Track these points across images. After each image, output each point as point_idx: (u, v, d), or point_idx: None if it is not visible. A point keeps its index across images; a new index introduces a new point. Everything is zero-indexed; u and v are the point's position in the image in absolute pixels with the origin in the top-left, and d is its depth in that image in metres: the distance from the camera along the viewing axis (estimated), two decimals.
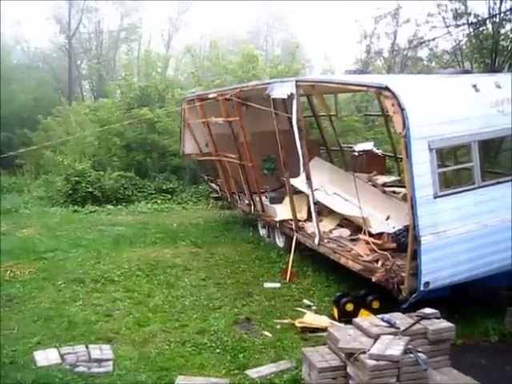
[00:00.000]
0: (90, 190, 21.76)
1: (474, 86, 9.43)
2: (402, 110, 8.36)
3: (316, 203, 11.91)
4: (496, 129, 9.49)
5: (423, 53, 30.25)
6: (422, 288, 8.51)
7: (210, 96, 15.71)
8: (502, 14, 20.60)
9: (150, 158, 24.39)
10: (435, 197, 8.67)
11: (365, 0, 31.17)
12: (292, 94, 11.54)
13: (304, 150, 11.52)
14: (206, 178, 19.46)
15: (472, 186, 9.29)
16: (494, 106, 9.35)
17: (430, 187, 8.63)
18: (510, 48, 20.93)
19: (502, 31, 21.05)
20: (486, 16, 21.07)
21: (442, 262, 8.65)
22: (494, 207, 9.15)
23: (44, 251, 14.09)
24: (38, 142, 31.11)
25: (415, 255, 8.59)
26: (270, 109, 12.63)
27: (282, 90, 12.05)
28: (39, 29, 64.42)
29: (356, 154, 15.26)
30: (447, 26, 22.63)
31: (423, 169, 8.57)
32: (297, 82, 11.75)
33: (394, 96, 8.55)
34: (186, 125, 17.54)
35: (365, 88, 10.58)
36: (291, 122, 11.91)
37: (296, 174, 12.55)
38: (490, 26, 21.20)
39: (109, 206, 21.34)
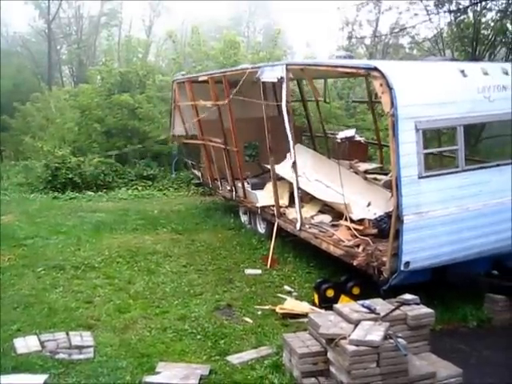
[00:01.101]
0: (70, 176, 21.61)
1: (462, 71, 9.49)
2: (391, 89, 8.42)
3: (299, 188, 11.93)
4: (481, 114, 9.58)
5: (405, 40, 30.34)
6: (402, 268, 8.56)
7: (201, 79, 15.81)
8: (483, 3, 20.67)
9: (130, 144, 24.26)
10: (420, 177, 8.71)
11: None
12: (282, 78, 11.61)
13: (292, 134, 11.59)
14: (190, 163, 19.41)
15: (456, 169, 9.35)
16: (481, 91, 9.41)
17: (415, 167, 8.68)
18: (490, 37, 21.04)
19: (483, 20, 21.14)
20: (467, 4, 21.14)
21: (423, 243, 8.70)
22: (476, 191, 9.21)
23: (24, 238, 14.00)
24: (17, 128, 30.90)
25: (397, 236, 8.65)
26: (260, 94, 12.68)
27: (272, 73, 12.12)
28: (18, 13, 63.53)
29: (339, 141, 15.28)
30: (428, 14, 22.66)
31: (409, 149, 8.62)
32: (287, 65, 11.84)
33: (383, 76, 8.60)
34: (176, 106, 17.65)
35: (354, 70, 10.61)
36: (278, 108, 11.99)
37: (279, 161, 12.56)
38: (471, 14, 21.28)
39: (89, 193, 21.24)
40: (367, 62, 12.26)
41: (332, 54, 23.77)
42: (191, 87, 16.05)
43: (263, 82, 12.66)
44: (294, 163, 11.68)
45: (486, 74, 9.70)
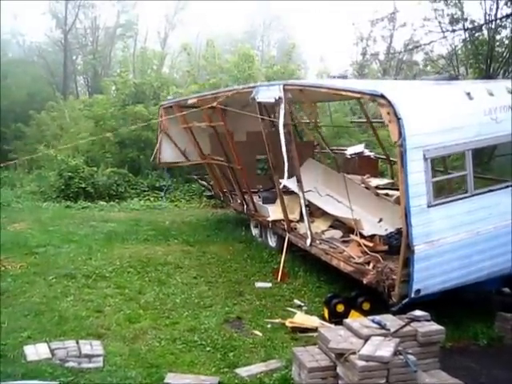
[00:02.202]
0: (83, 185, 21.79)
1: (468, 94, 9.43)
2: (399, 119, 8.25)
3: (308, 205, 11.93)
4: (489, 137, 9.47)
5: (419, 57, 30.35)
6: (412, 295, 8.52)
7: (190, 102, 15.52)
8: (497, 21, 20.70)
9: (143, 155, 24.38)
10: (429, 206, 8.64)
11: (363, 0, 31.24)
12: (280, 98, 11.38)
13: (293, 155, 11.46)
14: (195, 177, 19.43)
15: (465, 195, 9.28)
16: (488, 113, 9.35)
17: (424, 197, 8.59)
18: (505, 54, 21.03)
19: (498, 37, 21.15)
20: (482, 22, 21.16)
21: (434, 270, 8.64)
22: (486, 215, 9.15)
23: (36, 246, 14.08)
24: (31, 136, 31.15)
25: (406, 262, 8.60)
26: (257, 113, 12.52)
27: (268, 93, 11.88)
28: (35, 23, 64.24)
29: (348, 156, 15.30)
30: (443, 31, 22.69)
31: (418, 178, 8.52)
32: (284, 85, 11.59)
33: (390, 104, 8.43)
34: (162, 132, 17.32)
35: (358, 95, 10.43)
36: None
37: (291, 175, 12.59)
38: (485, 31, 21.30)
39: (101, 202, 21.36)
40: (370, 84, 11.90)
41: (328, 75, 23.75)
42: (182, 110, 15.81)
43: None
44: (299, 181, 11.66)
45: (491, 94, 9.63)
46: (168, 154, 17.53)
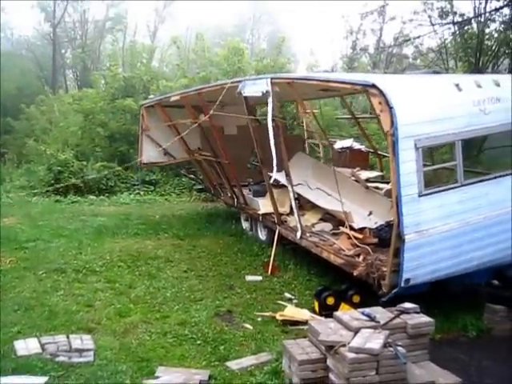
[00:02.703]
0: (73, 180, 21.67)
1: (457, 85, 9.47)
2: (391, 108, 8.26)
3: (297, 198, 11.92)
4: (478, 127, 9.52)
5: (408, 50, 30.45)
6: (402, 284, 8.55)
7: (173, 99, 15.36)
8: (486, 14, 20.78)
9: (133, 149, 24.32)
10: (420, 195, 8.66)
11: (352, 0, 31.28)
12: (267, 92, 11.26)
13: (281, 148, 11.41)
14: (183, 172, 19.36)
15: (455, 185, 9.30)
16: (476, 104, 9.39)
17: (415, 186, 8.62)
18: (494, 48, 21.12)
19: (487, 31, 21.25)
20: (471, 15, 21.24)
21: (424, 260, 8.66)
22: (476, 205, 9.18)
23: (25, 241, 14.04)
24: (20, 130, 31.01)
25: (397, 252, 8.64)
26: (244, 108, 12.51)
27: (255, 87, 11.74)
28: (24, 16, 63.95)
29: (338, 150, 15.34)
30: (433, 25, 22.78)
31: (409, 167, 8.55)
32: (272, 79, 11.48)
33: (382, 94, 8.43)
34: (143, 132, 17.10)
35: (349, 86, 10.33)
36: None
37: (281, 169, 12.59)
38: (475, 25, 21.38)
39: (91, 197, 21.32)
40: (362, 77, 11.83)
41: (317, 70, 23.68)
42: (164, 109, 15.69)
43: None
44: (288, 175, 11.66)
45: (479, 86, 9.68)
46: (150, 153, 17.23)
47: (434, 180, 10.74)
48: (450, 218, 8.90)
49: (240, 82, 12.57)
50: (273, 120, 11.24)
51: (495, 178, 9.65)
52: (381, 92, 8.47)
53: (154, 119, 16.56)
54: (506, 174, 9.64)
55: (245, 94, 12.10)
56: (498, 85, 9.86)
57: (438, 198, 8.91)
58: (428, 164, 11.27)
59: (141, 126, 17.35)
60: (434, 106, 9.10)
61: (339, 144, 17.05)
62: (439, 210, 8.84)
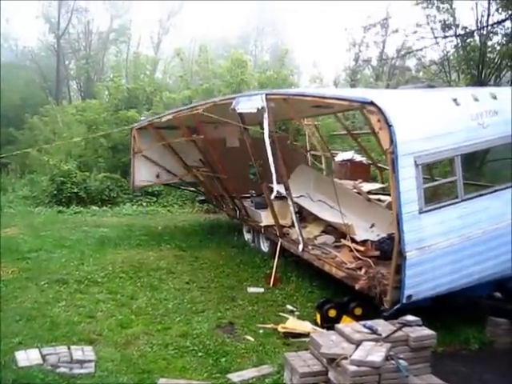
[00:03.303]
0: (75, 190, 21.78)
1: (455, 100, 9.46)
2: (390, 126, 8.22)
3: (300, 210, 11.89)
4: (477, 142, 9.48)
5: (411, 62, 30.56)
6: (404, 301, 8.52)
7: (165, 119, 15.29)
8: (489, 27, 20.86)
9: None
10: (420, 212, 8.62)
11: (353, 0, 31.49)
12: (263, 108, 11.15)
13: (280, 163, 11.36)
14: (185, 185, 19.30)
15: (455, 200, 9.25)
16: (475, 118, 9.38)
17: (416, 203, 8.57)
18: (496, 60, 21.18)
19: (489, 43, 21.32)
20: (473, 28, 21.32)
21: (425, 276, 8.63)
22: (476, 219, 9.16)
23: (27, 251, 14.04)
24: (23, 141, 31.09)
25: (398, 269, 8.60)
26: (239, 124, 12.40)
27: (250, 103, 11.60)
28: (28, 27, 64.30)
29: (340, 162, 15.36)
30: (435, 37, 22.86)
31: (409, 185, 8.51)
32: (267, 95, 11.41)
33: (381, 111, 8.38)
34: (134, 155, 17.01)
35: (347, 103, 10.28)
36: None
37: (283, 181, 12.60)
38: (477, 37, 21.46)
39: (94, 207, 21.35)
40: (359, 93, 11.70)
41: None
42: (157, 130, 15.67)
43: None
44: (288, 189, 11.65)
45: (476, 100, 9.66)
46: (144, 175, 17.17)
47: (435, 194, 10.75)
48: (451, 233, 8.87)
49: (234, 98, 12.46)
50: (269, 136, 11.18)
51: (495, 191, 9.63)
52: (379, 109, 8.42)
53: (146, 140, 16.46)
54: (506, 187, 9.62)
55: (239, 111, 11.93)
56: (494, 98, 9.86)
57: (438, 214, 8.87)
58: (427, 178, 11.28)
59: (132, 148, 17.21)
60: (432, 122, 9.07)
61: (340, 156, 17.10)
62: (440, 225, 8.80)
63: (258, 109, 11.26)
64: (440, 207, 9.03)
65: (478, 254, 9.00)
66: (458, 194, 9.27)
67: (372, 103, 8.61)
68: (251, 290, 11.60)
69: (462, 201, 9.21)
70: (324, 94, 11.11)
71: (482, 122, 9.38)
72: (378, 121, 8.44)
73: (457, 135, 9.13)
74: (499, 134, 9.54)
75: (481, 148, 10.61)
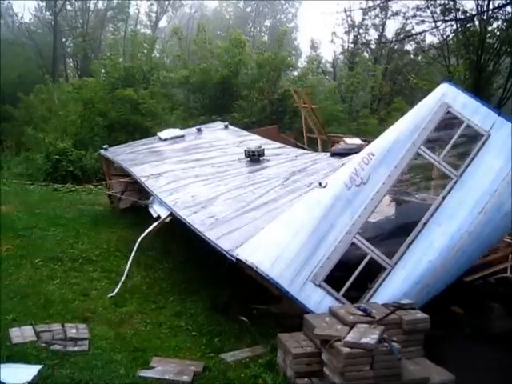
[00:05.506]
0: (71, 168, 21.68)
1: None
2: None
3: None
4: None
5: (410, 46, 30.43)
6: None
7: (116, 165, 15.08)
8: (489, 12, 20.76)
9: (132, 138, 24.26)
10: None
11: None
12: None
13: None
14: None
15: None
16: None
17: None
18: (496, 46, 21.11)
19: (489, 28, 21.25)
20: (474, 13, 21.21)
21: None
22: None
23: (22, 229, 13.97)
24: (19, 118, 30.95)
25: None
26: None
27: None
28: (25, 4, 63.55)
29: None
30: (435, 21, 22.77)
31: None
32: None
33: None
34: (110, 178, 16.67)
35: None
36: None
37: None
38: (477, 22, 21.38)
39: (89, 186, 21.23)
40: None
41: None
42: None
43: None
44: None
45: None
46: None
47: None
48: None
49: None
50: None
51: None
52: None
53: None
54: None
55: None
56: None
57: None
58: None
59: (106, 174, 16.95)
60: None
61: (349, 140, 16.20)
62: None
63: None
64: None
65: None
66: None
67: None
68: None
69: None
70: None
71: None
72: None
73: None
74: None
75: None
